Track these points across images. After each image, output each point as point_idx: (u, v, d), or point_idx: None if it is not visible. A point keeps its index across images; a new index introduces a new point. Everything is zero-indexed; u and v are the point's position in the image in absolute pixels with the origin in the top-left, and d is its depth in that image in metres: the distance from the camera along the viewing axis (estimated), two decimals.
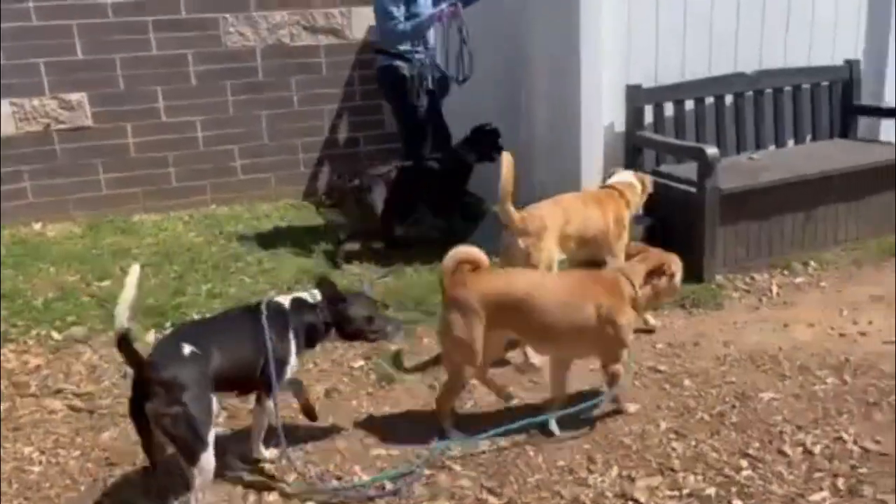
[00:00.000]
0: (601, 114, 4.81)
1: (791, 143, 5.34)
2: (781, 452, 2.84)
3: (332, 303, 2.75)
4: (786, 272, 4.56)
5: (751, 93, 5.13)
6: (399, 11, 5.01)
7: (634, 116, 4.80)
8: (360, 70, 6.44)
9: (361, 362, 3.62)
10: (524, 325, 2.92)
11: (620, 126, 4.89)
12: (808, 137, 5.38)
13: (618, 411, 3.12)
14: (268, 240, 5.36)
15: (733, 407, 3.16)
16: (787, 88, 5.22)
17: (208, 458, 2.34)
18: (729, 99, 5.10)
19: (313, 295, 2.78)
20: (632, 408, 3.12)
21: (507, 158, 3.46)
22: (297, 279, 4.60)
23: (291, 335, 2.66)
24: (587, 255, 3.85)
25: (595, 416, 3.07)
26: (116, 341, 2.32)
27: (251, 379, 2.58)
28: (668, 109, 4.93)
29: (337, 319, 2.76)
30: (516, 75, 5.34)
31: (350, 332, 2.81)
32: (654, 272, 3.00)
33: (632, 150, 4.84)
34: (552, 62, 4.97)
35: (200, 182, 6.24)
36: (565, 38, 4.73)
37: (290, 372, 2.69)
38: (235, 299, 4.27)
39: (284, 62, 6.23)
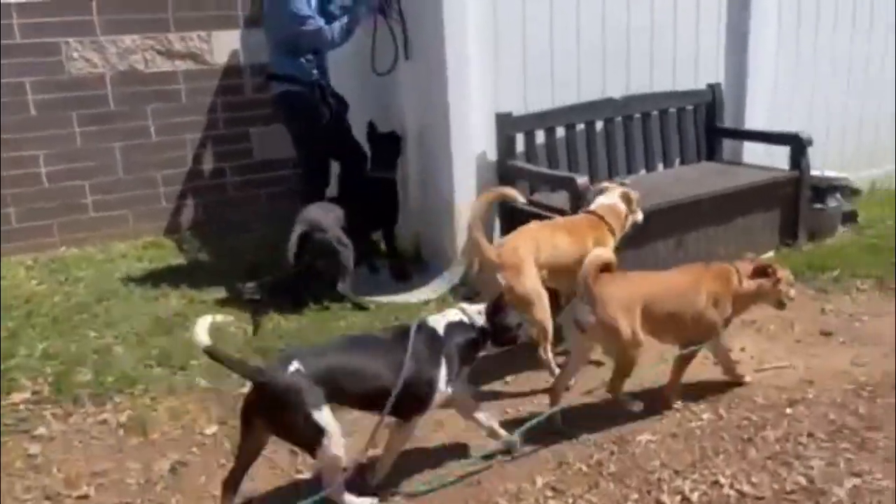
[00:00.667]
0: (472, 143, 4.68)
1: (661, 166, 5.38)
2: (660, 503, 2.72)
3: (496, 314, 2.85)
4: None
5: (620, 118, 5.13)
6: (311, 9, 4.66)
7: (506, 145, 4.70)
8: (223, 96, 6.03)
9: (215, 428, 3.27)
10: (652, 320, 3.14)
11: (493, 155, 4.77)
12: (678, 161, 5.44)
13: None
14: (121, 284, 4.89)
15: (612, 454, 3.03)
16: (655, 113, 5.26)
17: (329, 447, 2.49)
18: (599, 125, 5.08)
19: (466, 312, 2.85)
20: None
21: (486, 196, 3.59)
22: (150, 331, 4.18)
23: (443, 360, 2.73)
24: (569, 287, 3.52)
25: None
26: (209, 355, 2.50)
27: (378, 399, 2.61)
28: (540, 137, 4.85)
29: (496, 330, 2.86)
30: (388, 105, 5.15)
31: (506, 339, 2.91)
32: (760, 271, 3.32)
33: (504, 180, 4.71)
34: (420, 92, 4.80)
35: (45, 222, 5.66)
36: (433, 66, 4.58)
37: (438, 399, 2.74)
38: (76, 358, 3.83)
39: (138, 90, 5.76)
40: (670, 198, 4.63)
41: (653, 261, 4.57)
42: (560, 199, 4.43)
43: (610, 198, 3.82)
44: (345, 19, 4.69)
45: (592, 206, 3.81)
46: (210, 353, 2.49)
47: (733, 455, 2.99)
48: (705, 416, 3.29)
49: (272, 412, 2.49)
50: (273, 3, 4.82)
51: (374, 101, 5.20)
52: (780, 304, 3.44)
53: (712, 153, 5.53)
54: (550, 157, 4.88)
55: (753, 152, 5.57)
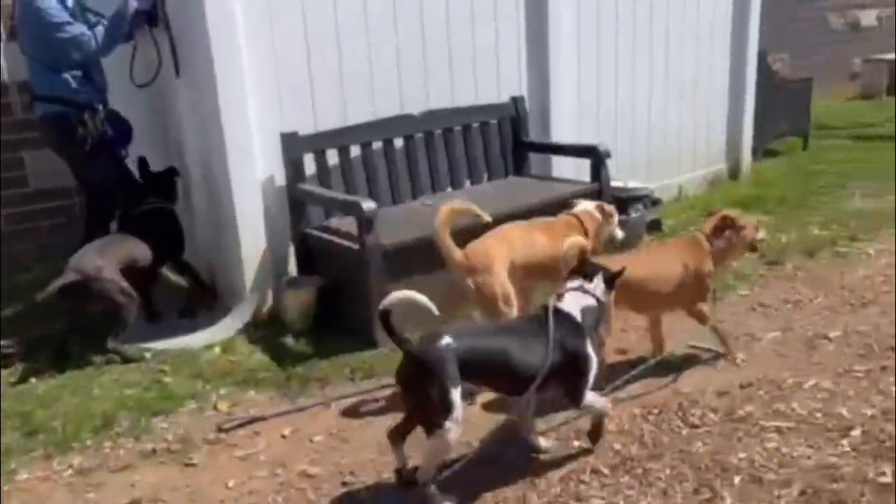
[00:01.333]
0: (255, 168, 4.27)
1: (468, 183, 5.20)
2: None
3: (610, 281, 2.97)
4: None
5: (420, 134, 4.90)
6: (66, 14, 4.09)
7: (294, 168, 4.33)
8: None
9: None
10: (635, 299, 3.42)
11: (283, 179, 4.39)
12: (485, 177, 5.28)
13: None
14: None
15: None
16: (457, 128, 5.07)
17: (451, 430, 2.54)
18: (399, 142, 4.82)
19: (589, 289, 2.90)
20: (739, 356, 3.76)
21: (452, 204, 3.47)
22: None
23: (587, 339, 2.83)
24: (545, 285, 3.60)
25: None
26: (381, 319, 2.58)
27: (521, 380, 2.68)
28: (333, 157, 4.52)
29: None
30: (168, 130, 4.66)
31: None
32: (719, 227, 3.60)
33: (295, 205, 4.35)
34: (196, 114, 4.35)
35: None
36: (204, 85, 4.14)
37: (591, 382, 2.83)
38: None
39: None
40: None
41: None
42: (351, 223, 4.11)
43: (588, 205, 4.04)
44: (105, 23, 4.15)
45: (573, 210, 4.00)
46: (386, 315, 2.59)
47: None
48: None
49: (414, 382, 2.59)
50: (24, 8, 4.19)
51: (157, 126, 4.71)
52: (753, 248, 3.80)
53: (520, 168, 5.42)
54: (347, 179, 4.57)
55: (565, 165, 5.52)
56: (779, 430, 3.10)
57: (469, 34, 5.06)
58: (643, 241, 5.39)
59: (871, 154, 7.72)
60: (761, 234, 3.79)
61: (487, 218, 3.64)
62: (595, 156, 4.97)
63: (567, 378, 2.78)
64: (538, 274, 3.64)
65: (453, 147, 5.06)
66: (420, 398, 2.57)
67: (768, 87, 7.73)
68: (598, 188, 4.96)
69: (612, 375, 3.46)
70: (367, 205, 3.89)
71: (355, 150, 4.62)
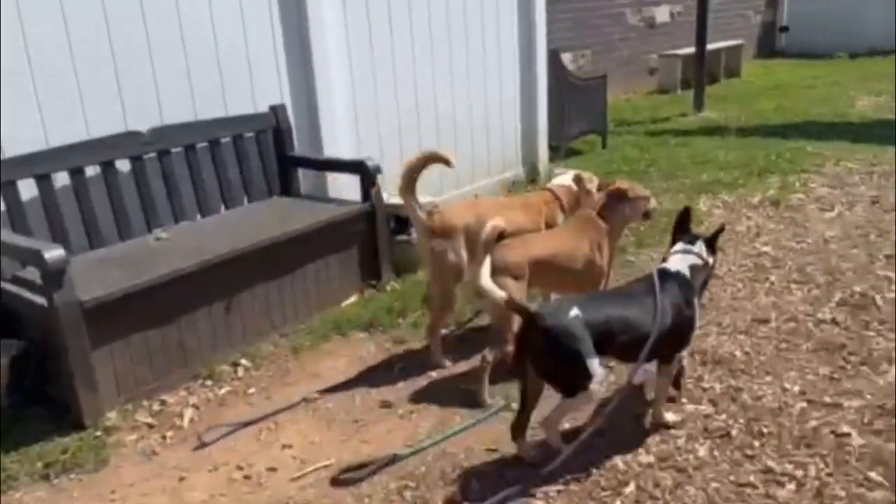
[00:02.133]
0: None
1: (223, 208, 4.45)
2: None
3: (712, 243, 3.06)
4: (209, 383, 3.61)
5: (153, 154, 4.09)
6: None
7: None
8: None
9: None
10: (547, 278, 3.43)
11: None
12: (245, 199, 4.56)
13: None
14: None
15: None
16: (202, 145, 4.31)
17: (595, 392, 2.70)
18: (125, 165, 3.99)
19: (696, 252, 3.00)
20: None
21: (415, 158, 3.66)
22: None
23: (695, 301, 2.93)
24: None
25: None
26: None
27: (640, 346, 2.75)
28: (29, 188, 3.63)
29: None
30: None
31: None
32: (612, 200, 3.53)
33: None
34: None
35: None
36: None
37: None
38: None
39: None
40: (216, 250, 3.70)
41: (193, 337, 3.63)
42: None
43: (564, 179, 4.05)
44: None
45: (549, 185, 4.11)
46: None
47: None
48: None
49: (546, 353, 2.68)
50: None
51: None
52: (647, 216, 3.73)
53: (288, 186, 4.74)
54: (51, 215, 3.68)
55: (345, 181, 4.90)
56: None
57: (209, 35, 4.31)
58: None
59: (663, 150, 7.76)
60: (653, 203, 3.70)
61: (454, 162, 3.79)
62: (363, 172, 4.40)
63: (675, 337, 2.86)
64: None
65: (199, 167, 4.29)
66: (556, 367, 2.71)
67: (563, 87, 7.56)
68: (371, 208, 4.39)
69: None
70: (52, 253, 3.05)
71: (62, 178, 3.74)
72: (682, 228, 3.11)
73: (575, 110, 7.73)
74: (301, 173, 4.86)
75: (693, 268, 2.96)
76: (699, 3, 9.71)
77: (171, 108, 4.17)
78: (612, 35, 11.74)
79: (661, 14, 12.66)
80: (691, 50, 10.29)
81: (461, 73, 5.94)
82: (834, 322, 3.84)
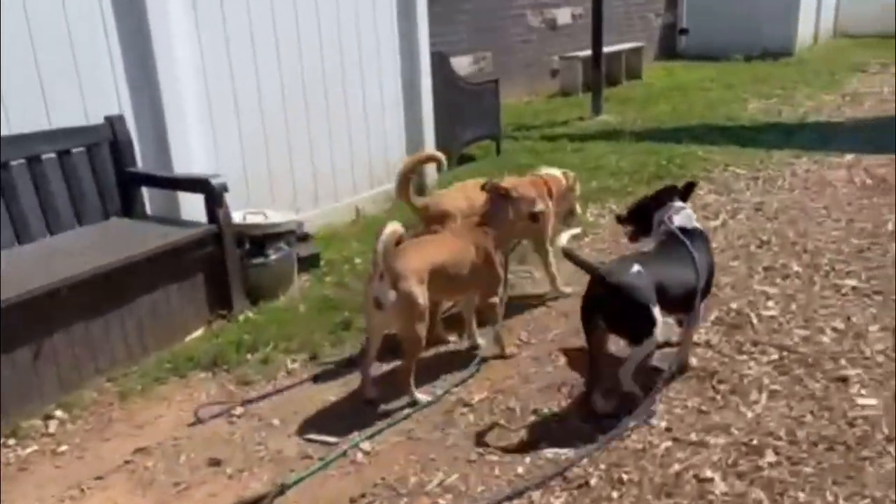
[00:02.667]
0: None
1: (48, 234, 3.92)
2: None
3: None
4: (11, 442, 3.12)
5: None
6: None
7: None
8: None
9: None
10: (445, 284, 3.30)
11: None
12: (76, 223, 4.05)
13: None
14: None
15: None
16: (16, 163, 3.78)
17: (657, 336, 3.02)
18: None
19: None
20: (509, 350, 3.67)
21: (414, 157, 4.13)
22: None
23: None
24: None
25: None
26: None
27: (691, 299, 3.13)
28: None
29: None
30: None
31: None
32: (493, 202, 3.50)
33: None
34: None
35: None
36: None
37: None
38: None
39: None
40: (22, 288, 3.21)
41: (19, 380, 3.13)
42: None
43: (554, 170, 4.26)
44: None
45: (539, 172, 4.21)
46: (567, 253, 3.21)
47: None
48: None
49: (615, 307, 2.99)
50: None
51: None
52: (534, 218, 3.60)
53: (130, 206, 4.25)
54: None
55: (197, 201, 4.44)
56: None
57: (25, 37, 3.78)
58: (295, 283, 4.50)
59: (557, 156, 7.56)
60: (540, 206, 3.58)
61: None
62: (207, 191, 3.96)
63: (706, 285, 3.26)
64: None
65: (13, 187, 3.76)
66: (626, 318, 3.01)
67: (453, 92, 7.27)
68: (217, 230, 3.96)
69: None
70: None
71: None
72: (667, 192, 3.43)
73: (467, 115, 7.45)
74: (149, 192, 4.38)
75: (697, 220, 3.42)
76: (594, 6, 9.62)
77: None
78: (514, 37, 11.57)
79: (563, 16, 12.58)
80: (588, 52, 10.19)
81: (336, 77, 5.55)
82: (708, 345, 3.65)
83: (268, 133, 5.12)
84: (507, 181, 3.70)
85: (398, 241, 3.14)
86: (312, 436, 3.09)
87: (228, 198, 4.69)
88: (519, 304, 4.21)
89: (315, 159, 5.51)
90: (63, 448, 3.11)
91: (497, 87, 7.82)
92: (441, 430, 3.11)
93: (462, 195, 3.96)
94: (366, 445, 3.02)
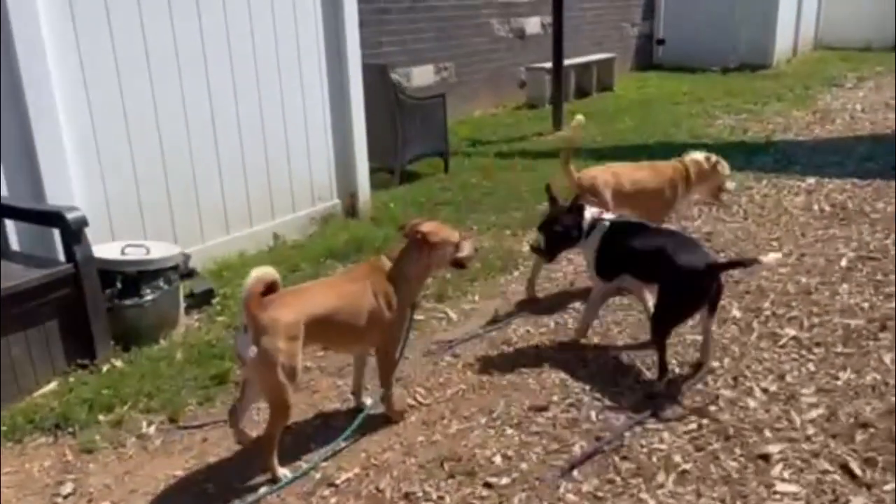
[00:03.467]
0: None
1: None
2: None
3: None
4: None
5: None
6: None
7: None
8: None
9: None
10: (331, 335, 2.95)
11: None
12: None
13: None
14: None
15: None
16: None
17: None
18: None
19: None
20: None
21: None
22: None
23: None
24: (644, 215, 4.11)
25: None
26: None
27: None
28: None
29: None
30: None
31: None
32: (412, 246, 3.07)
33: None
34: None
35: None
36: None
37: None
38: None
39: None
40: None
41: None
42: None
43: (697, 155, 4.63)
44: None
45: (682, 157, 4.65)
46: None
47: None
48: None
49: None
50: None
51: None
52: (460, 265, 3.26)
53: None
54: None
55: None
56: None
57: None
58: (180, 324, 4.05)
59: (507, 175, 7.14)
60: (467, 249, 3.19)
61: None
62: (63, 226, 3.50)
63: None
64: (639, 200, 4.39)
65: None
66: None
67: (395, 107, 6.83)
68: (74, 270, 3.50)
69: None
70: None
71: None
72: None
73: (410, 132, 7.01)
74: (18, 226, 3.92)
75: None
76: (554, 17, 9.24)
77: None
78: (478, 46, 11.15)
79: (532, 25, 12.17)
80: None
81: (248, 89, 5.09)
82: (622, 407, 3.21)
83: (167, 156, 4.66)
84: (428, 224, 3.15)
85: (270, 289, 2.72)
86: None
87: (121, 229, 4.32)
88: (422, 351, 3.78)
89: (225, 183, 5.05)
90: None
91: (444, 101, 7.38)
92: None
93: (609, 171, 4.43)
94: None
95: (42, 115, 3.96)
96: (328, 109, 5.72)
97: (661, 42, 15.65)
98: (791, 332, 3.80)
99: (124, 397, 3.38)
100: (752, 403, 3.19)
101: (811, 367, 3.46)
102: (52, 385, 3.48)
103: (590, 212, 3.68)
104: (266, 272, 2.70)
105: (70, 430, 3.20)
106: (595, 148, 8.18)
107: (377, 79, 6.72)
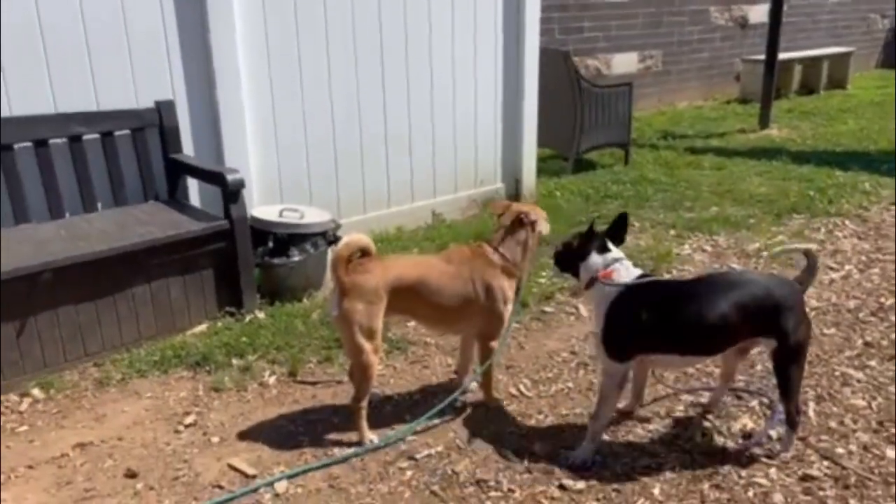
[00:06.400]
0: None
1: (82, 210, 4.05)
2: None
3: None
4: None
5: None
6: None
7: None
8: None
9: None
10: (415, 307, 2.97)
11: None
12: (113, 202, 4.15)
13: None
14: None
15: None
16: (59, 140, 3.92)
17: None
18: None
19: None
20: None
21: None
22: None
23: None
24: None
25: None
26: None
27: None
28: None
29: None
30: None
31: None
32: (513, 229, 3.03)
33: None
34: None
35: None
36: None
37: None
38: None
39: None
40: (16, 265, 3.31)
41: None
42: None
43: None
44: None
45: None
46: None
47: None
48: None
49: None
50: None
51: None
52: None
53: (174, 192, 4.29)
54: None
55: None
56: None
57: (77, 15, 3.90)
58: (325, 287, 4.32)
59: (690, 173, 6.73)
60: (546, 227, 3.12)
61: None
62: (223, 185, 3.87)
63: None
64: None
65: (49, 165, 3.90)
66: None
67: (577, 94, 6.69)
68: (229, 226, 3.86)
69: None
70: None
71: None
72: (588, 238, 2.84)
73: (590, 120, 6.84)
74: (198, 184, 4.41)
75: None
76: (772, 6, 8.46)
77: (20, 98, 3.80)
78: (691, 35, 10.55)
79: (756, 14, 11.25)
80: (784, 55, 9.00)
81: (421, 67, 5.26)
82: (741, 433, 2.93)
83: (337, 131, 4.97)
84: (523, 205, 3.19)
85: (366, 253, 2.85)
86: (237, 462, 2.88)
87: (290, 195, 4.69)
88: (538, 343, 3.72)
89: (391, 158, 5.28)
90: (22, 429, 3.16)
91: (630, 91, 7.08)
92: (367, 485, 2.75)
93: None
94: (282, 485, 2.75)
95: (227, 87, 4.39)
96: (500, 92, 5.74)
97: None
98: None
99: (257, 346, 3.69)
100: (890, 453, 2.77)
101: None
102: (203, 327, 3.89)
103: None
104: (357, 239, 2.81)
105: (207, 368, 3.56)
106: (800, 151, 7.44)
107: (560, 65, 6.62)
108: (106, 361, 3.60)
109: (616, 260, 2.78)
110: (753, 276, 2.86)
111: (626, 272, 2.75)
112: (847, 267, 4.59)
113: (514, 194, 6.01)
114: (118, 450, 3.00)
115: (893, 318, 3.87)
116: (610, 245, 2.81)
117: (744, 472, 2.70)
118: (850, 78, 11.54)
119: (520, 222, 3.05)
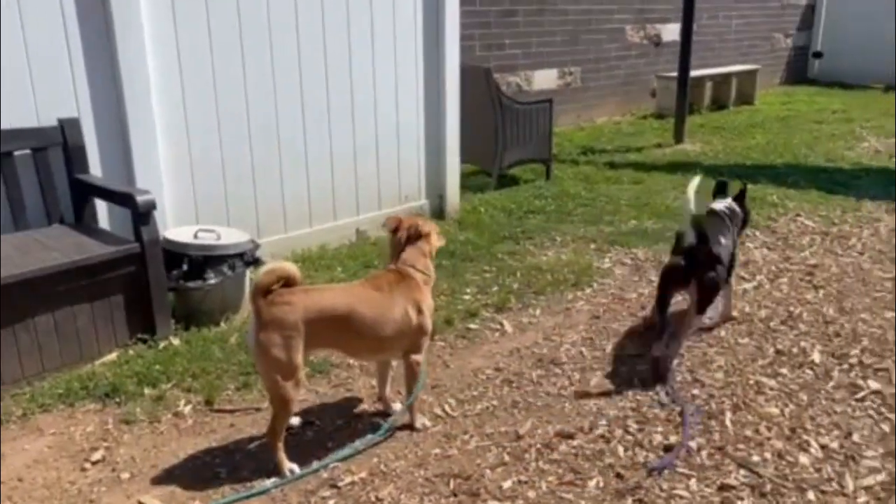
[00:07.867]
0: None
1: None
2: None
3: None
4: None
5: None
6: None
7: None
8: None
9: None
10: (343, 340, 2.91)
11: None
12: (14, 228, 3.92)
13: None
14: None
15: None
16: None
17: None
18: None
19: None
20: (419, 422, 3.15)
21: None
22: None
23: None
24: None
25: None
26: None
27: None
28: None
29: None
30: None
31: None
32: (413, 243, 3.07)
33: None
34: None
35: None
36: None
37: None
38: None
39: None
40: None
41: None
42: None
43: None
44: None
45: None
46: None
47: None
48: None
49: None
50: None
51: None
52: None
53: (80, 214, 4.09)
54: None
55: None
56: None
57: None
58: (243, 310, 4.19)
59: (609, 188, 6.87)
60: (441, 239, 3.23)
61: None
62: (133, 206, 3.71)
63: None
64: None
65: None
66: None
67: (498, 110, 6.75)
68: (140, 250, 3.70)
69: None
70: None
71: None
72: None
73: (512, 136, 6.91)
74: (108, 206, 4.21)
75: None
76: (683, 25, 8.78)
77: None
78: (608, 52, 10.83)
79: (669, 32, 11.65)
80: (696, 73, 9.31)
81: (341, 83, 5.19)
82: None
83: (254, 148, 4.84)
84: (414, 219, 3.17)
85: (290, 283, 2.74)
86: (148, 500, 2.74)
87: (206, 215, 4.54)
88: (463, 362, 3.69)
89: (312, 176, 5.18)
90: None
91: (551, 107, 7.19)
92: None
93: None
94: None
95: (136, 102, 4.22)
96: (422, 109, 5.73)
97: (817, 55, 14.56)
98: (875, 385, 3.38)
99: (171, 374, 3.54)
100: (803, 459, 2.86)
101: (885, 427, 3.05)
102: (113, 356, 3.70)
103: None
104: (280, 267, 2.72)
105: (117, 399, 3.38)
106: (714, 165, 7.70)
107: (481, 81, 6.67)
108: (5, 396, 3.38)
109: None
110: None
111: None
112: (759, 277, 4.75)
113: (439, 210, 6.00)
114: (17, 492, 2.81)
115: (802, 327, 4.02)
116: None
117: (665, 486, 2.73)
118: (757, 94, 12.06)
119: (417, 235, 3.07)
